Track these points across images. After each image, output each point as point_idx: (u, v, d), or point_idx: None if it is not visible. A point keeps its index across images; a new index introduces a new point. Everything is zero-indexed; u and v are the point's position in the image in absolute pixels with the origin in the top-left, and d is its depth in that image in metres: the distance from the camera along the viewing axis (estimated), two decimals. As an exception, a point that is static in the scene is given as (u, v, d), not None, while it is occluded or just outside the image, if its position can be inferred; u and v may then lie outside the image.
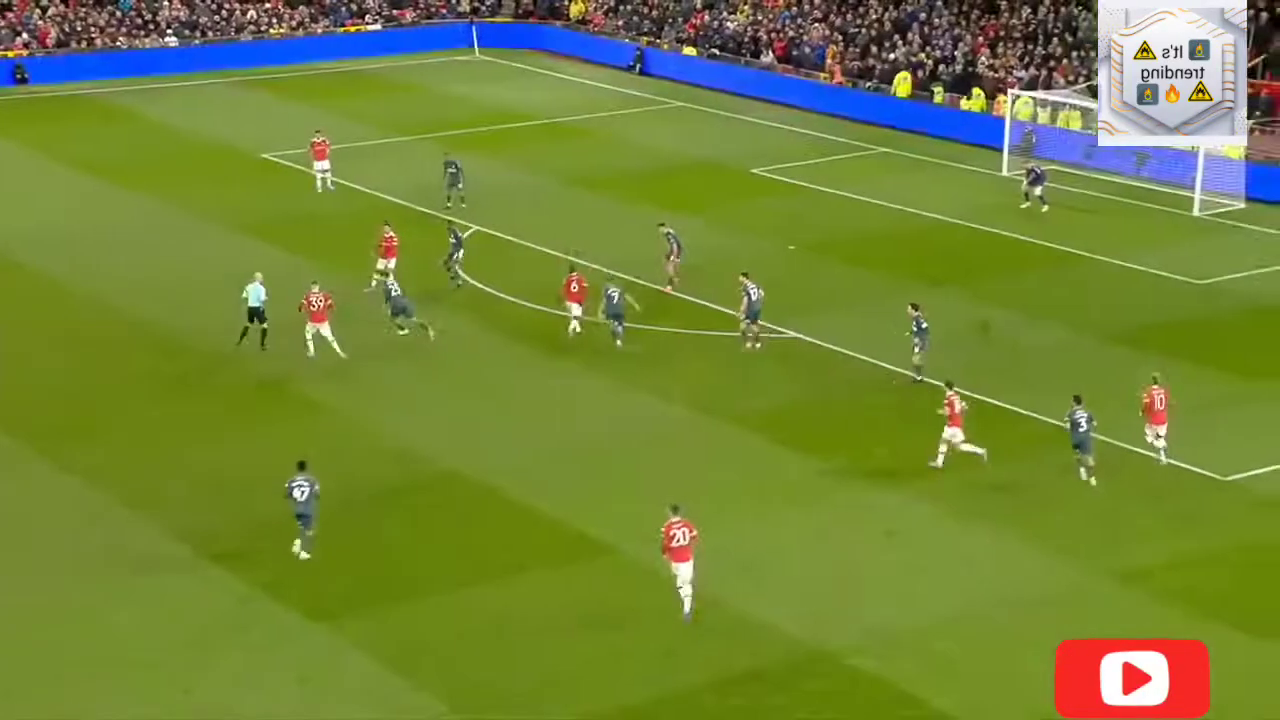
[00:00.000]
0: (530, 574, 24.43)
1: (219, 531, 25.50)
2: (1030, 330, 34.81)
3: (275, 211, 43.18)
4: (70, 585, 23.80)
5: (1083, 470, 27.21)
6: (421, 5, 67.99)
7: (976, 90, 52.68)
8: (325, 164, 44.05)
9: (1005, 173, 47.54)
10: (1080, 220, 43.47)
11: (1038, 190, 43.55)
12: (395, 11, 67.25)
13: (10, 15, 60.59)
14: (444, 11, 68.01)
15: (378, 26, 66.21)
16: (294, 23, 65.07)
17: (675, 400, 30.72)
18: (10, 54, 58.62)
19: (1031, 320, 35.30)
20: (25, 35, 59.68)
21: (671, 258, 36.95)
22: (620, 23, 65.70)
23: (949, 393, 27.82)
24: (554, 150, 49.88)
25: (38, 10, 61.06)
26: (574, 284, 33.62)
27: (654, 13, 65.28)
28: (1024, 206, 43.68)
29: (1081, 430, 27.10)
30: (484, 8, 68.41)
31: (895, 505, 26.66)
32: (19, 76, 57.93)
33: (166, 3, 63.53)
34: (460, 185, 42.66)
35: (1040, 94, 49.66)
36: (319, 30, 65.19)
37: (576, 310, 33.60)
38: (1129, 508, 26.55)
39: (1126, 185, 45.94)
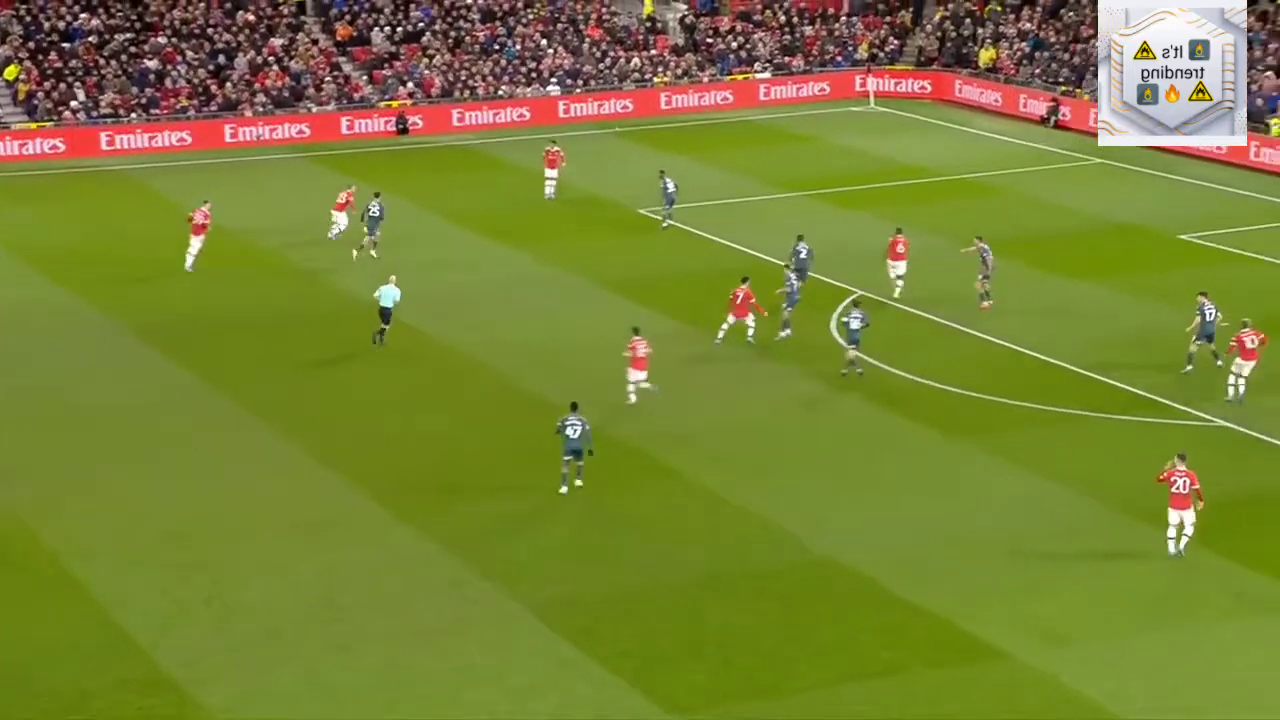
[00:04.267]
0: (909, 675, 24.10)
1: (577, 603, 26.29)
2: None
3: (655, 272, 44.44)
4: (420, 655, 24.94)
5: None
6: (814, 53, 68.99)
7: None
8: (554, 172, 50.97)
9: None
10: None
11: None
12: (786, 59, 68.48)
13: (397, 65, 65.11)
14: (839, 59, 68.77)
15: (767, 75, 67.57)
16: (679, 71, 67.20)
17: (1088, 491, 29.81)
18: (394, 104, 62.91)
19: None
20: (410, 85, 63.97)
21: (981, 276, 39.39)
22: (1035, 71, 64.75)
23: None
24: (955, 210, 49.49)
25: (424, 59, 65.36)
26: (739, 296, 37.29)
27: (1074, 60, 64.03)
28: None
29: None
30: (882, 55, 68.79)
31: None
32: (401, 126, 62.03)
33: (550, 51, 66.85)
34: (672, 206, 47.35)
35: None
36: (705, 79, 67.08)
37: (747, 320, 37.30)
38: None
39: None
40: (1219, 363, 35.01)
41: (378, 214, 44.53)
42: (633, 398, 33.98)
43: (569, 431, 29.91)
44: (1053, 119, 61.46)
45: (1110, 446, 32.24)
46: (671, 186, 47.72)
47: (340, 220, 45.92)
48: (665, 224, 47.83)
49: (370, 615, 26.15)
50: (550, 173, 51.33)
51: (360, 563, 27.94)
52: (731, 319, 37.45)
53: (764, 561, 27.69)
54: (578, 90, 65.34)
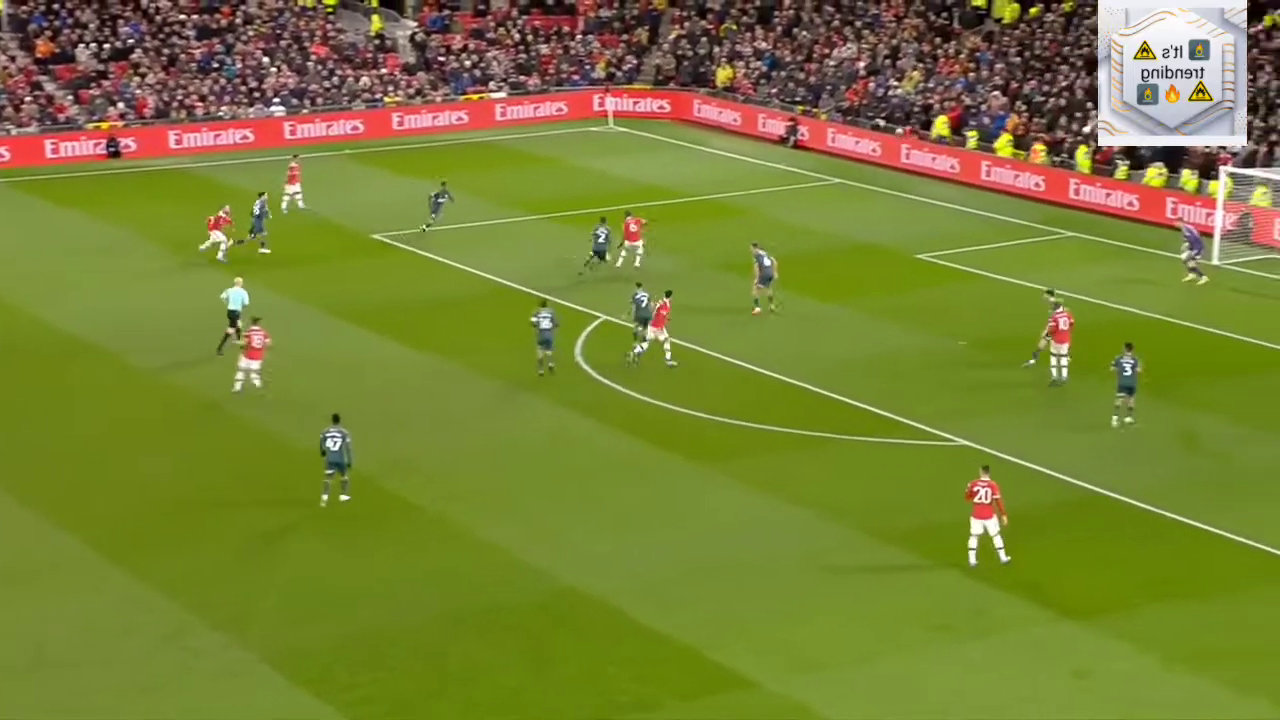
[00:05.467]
0: (660, 709, 24.25)
1: (313, 648, 25.80)
2: (1249, 445, 34.01)
3: (388, 298, 44.07)
4: (141, 712, 24.16)
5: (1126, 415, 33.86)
6: (551, 72, 69.40)
7: (1151, 169, 52.42)
8: (297, 187, 51.90)
9: (1216, 261, 46.81)
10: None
11: (1184, 257, 44.76)
12: (522, 78, 68.73)
13: (106, 84, 63.15)
14: (576, 78, 69.32)
15: (503, 94, 67.71)
16: (411, 90, 66.85)
17: (833, 514, 30.52)
18: (104, 125, 60.99)
19: (1251, 433, 34.51)
20: (121, 105, 62.12)
21: (757, 281, 41.50)
22: (773, 90, 66.33)
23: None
24: (696, 231, 50.24)
25: (136, 78, 63.55)
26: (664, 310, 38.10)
27: (810, 80, 65.82)
28: (1188, 280, 44.55)
29: (1127, 374, 33.51)
30: (620, 74, 69.59)
31: (1086, 642, 26.07)
32: (112, 149, 60.19)
33: (274, 70, 65.75)
34: (438, 215, 49.35)
35: (1259, 172, 49.02)
36: (438, 98, 66.87)
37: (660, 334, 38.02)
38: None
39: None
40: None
41: (259, 212, 46.86)
42: (238, 386, 35.47)
43: (329, 444, 30.21)
44: (792, 139, 63.01)
45: (855, 468, 33.08)
46: (443, 199, 49.26)
47: (217, 238, 46.03)
48: (424, 228, 49.34)
49: (85, 670, 25.19)
50: (291, 188, 51.57)
51: (73, 613, 26.91)
52: (650, 332, 38.25)
53: (508, 595, 27.60)
54: (304, 110, 64.44)
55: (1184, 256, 45.24)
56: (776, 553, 29.21)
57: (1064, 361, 36.45)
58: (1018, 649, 25.87)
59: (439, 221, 49.03)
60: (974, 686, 24.89)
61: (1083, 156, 54.60)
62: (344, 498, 30.61)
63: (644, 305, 38.11)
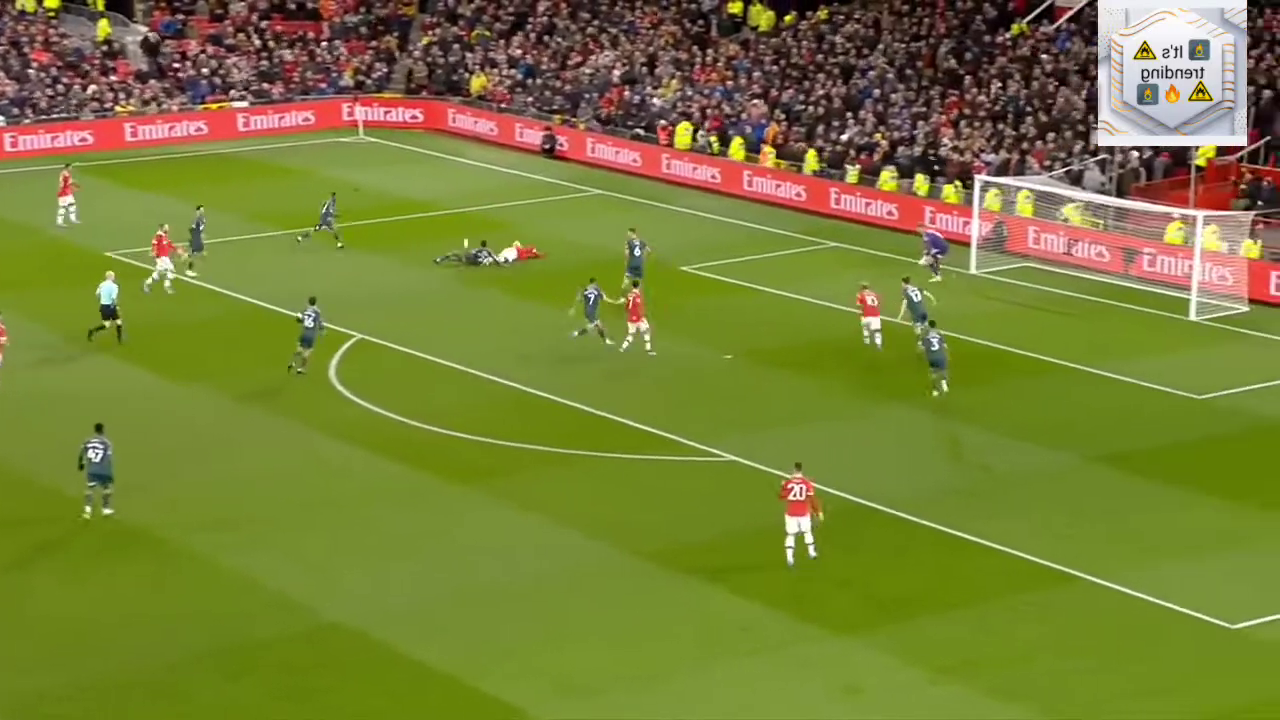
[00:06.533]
0: (424, 743, 24.24)
1: (51, 694, 25.06)
2: (1002, 451, 35.30)
3: (124, 319, 42.92)
4: None
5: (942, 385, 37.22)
6: (296, 80, 68.53)
7: (884, 172, 54.48)
8: (70, 199, 51.78)
9: (974, 270, 48.47)
10: (1059, 324, 44.30)
11: (924, 263, 47.12)
12: (265, 85, 67.72)
13: None
14: (323, 86, 68.57)
15: (245, 103, 66.61)
16: (145, 98, 65.33)
17: (599, 534, 30.77)
18: None
19: (1004, 439, 35.83)
20: None
21: (626, 271, 43.45)
22: (529, 99, 66.60)
23: None
24: (453, 245, 50.14)
25: None
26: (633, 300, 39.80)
27: (567, 88, 66.26)
28: (934, 281, 46.28)
29: (934, 349, 36.86)
30: (369, 82, 69.09)
31: (855, 656, 26.77)
32: None
33: (-7, 77, 63.72)
34: (329, 223, 49.81)
35: (1012, 180, 50.89)
36: (174, 107, 65.47)
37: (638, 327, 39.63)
38: (1131, 660, 26.88)
39: (1112, 285, 46.99)
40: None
41: (195, 227, 46.53)
42: None
43: (90, 454, 30.17)
44: (551, 148, 63.31)
45: (619, 487, 33.37)
46: (332, 208, 49.68)
47: (162, 264, 44.40)
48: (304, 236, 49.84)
49: None
50: (64, 200, 51.36)
51: None
52: (630, 326, 39.46)
53: (263, 631, 27.17)
54: (26, 121, 62.48)
55: (924, 262, 46.95)
56: (540, 575, 29.34)
57: (878, 335, 40.34)
58: (788, 666, 26.41)
59: (331, 233, 49.31)
60: (746, 706, 25.33)
61: (812, 158, 56.27)
62: (107, 511, 30.35)
63: (592, 301, 39.49)
